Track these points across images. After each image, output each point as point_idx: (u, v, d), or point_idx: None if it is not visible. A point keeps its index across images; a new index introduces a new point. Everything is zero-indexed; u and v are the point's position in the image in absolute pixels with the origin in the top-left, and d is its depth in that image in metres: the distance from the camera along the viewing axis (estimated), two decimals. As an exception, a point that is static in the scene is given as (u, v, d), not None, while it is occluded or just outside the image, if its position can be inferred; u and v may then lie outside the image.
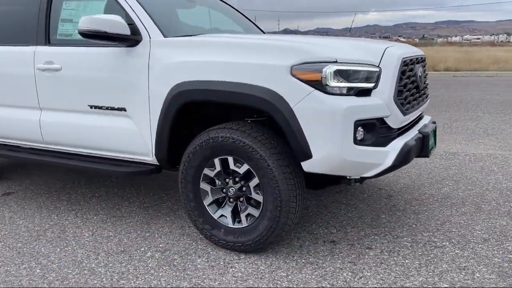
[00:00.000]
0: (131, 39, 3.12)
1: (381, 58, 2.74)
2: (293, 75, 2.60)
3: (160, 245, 3.14)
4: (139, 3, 3.26)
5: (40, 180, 4.72)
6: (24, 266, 2.90)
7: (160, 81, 3.01)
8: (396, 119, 2.79)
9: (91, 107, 3.38)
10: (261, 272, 2.72)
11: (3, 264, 2.93)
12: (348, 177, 2.85)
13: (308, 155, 2.61)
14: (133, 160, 3.39)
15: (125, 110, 3.23)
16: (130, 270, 2.80)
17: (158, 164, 3.26)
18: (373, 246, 3.01)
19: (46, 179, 4.75)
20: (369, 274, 2.66)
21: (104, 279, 2.71)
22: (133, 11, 3.21)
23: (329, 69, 2.56)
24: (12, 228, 3.51)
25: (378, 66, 2.70)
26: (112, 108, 3.28)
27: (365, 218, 3.48)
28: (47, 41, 3.60)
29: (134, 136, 3.24)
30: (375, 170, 2.70)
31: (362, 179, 2.89)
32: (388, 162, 2.69)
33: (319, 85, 2.57)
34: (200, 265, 2.84)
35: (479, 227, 3.27)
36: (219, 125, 2.92)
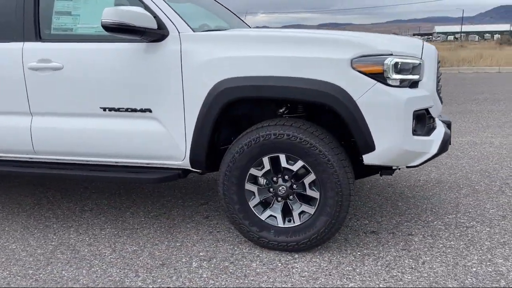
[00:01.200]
0: (157, 33, 2.86)
1: (422, 51, 2.85)
2: (354, 68, 2.59)
3: (201, 254, 2.93)
4: (161, -6, 3.00)
5: (3, 198, 4.12)
6: (59, 294, 2.53)
7: (199, 78, 2.81)
8: (436, 109, 2.93)
9: (104, 109, 3.04)
10: (326, 269, 2.68)
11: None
12: (394, 167, 2.93)
13: (371, 148, 2.63)
14: (151, 165, 3.12)
15: (150, 111, 2.96)
16: (187, 284, 2.58)
17: (186, 168, 3.04)
18: (413, 232, 3.12)
19: (10, 196, 4.16)
20: (428, 258, 2.76)
21: (167, 297, 2.46)
22: (154, 3, 2.95)
23: (391, 61, 2.60)
24: (8, 254, 3.02)
25: (421, 59, 2.80)
26: (134, 110, 2.99)
27: (385, 207, 3.60)
28: (38, 37, 3.14)
29: (161, 139, 2.98)
30: (422, 158, 2.80)
31: (392, 171, 2.99)
32: (434, 150, 2.82)
33: (380, 77, 2.60)
34: (259, 269, 2.72)
35: (490, 206, 3.56)
36: (268, 121, 2.81)
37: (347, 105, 2.58)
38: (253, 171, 2.85)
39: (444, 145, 2.90)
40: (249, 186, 2.88)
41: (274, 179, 2.86)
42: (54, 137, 3.19)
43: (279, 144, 2.73)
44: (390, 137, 2.62)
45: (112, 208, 3.78)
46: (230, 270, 2.71)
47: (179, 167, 3.06)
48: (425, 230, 3.15)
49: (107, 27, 2.73)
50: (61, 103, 3.12)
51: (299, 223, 2.85)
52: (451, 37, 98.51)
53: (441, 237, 3.03)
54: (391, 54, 2.65)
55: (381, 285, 2.49)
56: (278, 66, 2.67)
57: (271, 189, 2.88)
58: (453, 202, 3.66)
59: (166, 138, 2.97)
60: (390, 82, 2.61)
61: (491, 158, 4.88)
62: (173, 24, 2.90)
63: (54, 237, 3.28)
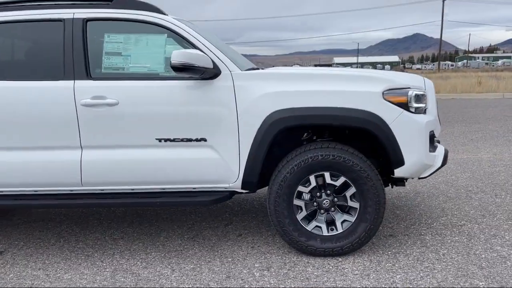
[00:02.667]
0: (212, 72, 3.26)
1: (424, 85, 3.56)
2: (385, 99, 3.21)
3: (256, 265, 3.30)
4: (206, 38, 3.41)
5: (24, 235, 4.11)
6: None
7: (253, 110, 3.24)
8: (438, 131, 3.63)
9: (159, 140, 3.33)
10: (371, 267, 3.19)
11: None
12: (407, 179, 3.57)
13: (402, 163, 3.24)
14: (198, 189, 3.45)
15: (205, 140, 3.32)
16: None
17: (234, 189, 3.42)
18: (422, 233, 3.77)
19: (30, 232, 4.16)
20: (446, 251, 3.40)
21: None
22: (205, 46, 3.35)
23: (412, 93, 3.26)
24: (69, 283, 3.14)
25: (425, 90, 3.50)
26: (189, 140, 3.32)
27: (389, 215, 4.22)
28: (88, 75, 3.37)
29: (215, 165, 3.34)
30: (430, 170, 3.47)
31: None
32: (438, 164, 3.50)
33: (405, 106, 3.24)
34: (316, 272, 3.15)
35: (468, 208, 4.34)
36: (313, 145, 3.30)
37: (383, 128, 3.18)
38: (300, 188, 3.31)
39: (445, 159, 3.60)
40: (297, 202, 3.34)
41: (318, 194, 3.34)
42: (105, 169, 3.39)
43: (325, 164, 3.24)
44: (415, 154, 3.26)
45: (143, 235, 3.98)
46: (292, 276, 3.12)
47: (228, 189, 3.43)
48: (431, 231, 3.80)
49: (175, 67, 3.09)
50: (116, 136, 3.34)
51: (342, 230, 3.35)
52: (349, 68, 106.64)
53: (446, 235, 3.71)
54: (410, 88, 3.31)
55: (421, 274, 3.06)
56: (323, 98, 3.21)
57: (315, 203, 3.36)
58: (438, 207, 4.40)
59: (219, 164, 3.34)
60: (411, 109, 3.27)
61: (447, 171, 5.77)
62: (224, 64, 3.32)
63: (103, 264, 3.43)
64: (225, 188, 3.43)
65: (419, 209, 4.38)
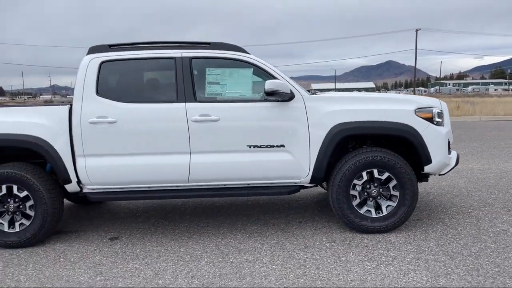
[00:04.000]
0: (290, 96, 4.42)
1: (441, 104, 4.79)
2: (417, 115, 4.43)
3: (323, 240, 4.39)
4: (280, 71, 4.59)
5: (131, 224, 5.12)
6: None
7: (320, 124, 4.40)
8: (451, 140, 4.86)
9: (249, 146, 4.45)
10: (411, 238, 4.33)
11: None
12: (430, 175, 4.76)
13: (430, 161, 4.43)
14: (275, 184, 4.57)
15: (283, 146, 4.45)
16: (347, 256, 4.05)
17: (304, 184, 4.55)
18: (441, 217, 4.94)
19: (135, 222, 5.16)
20: (467, 229, 4.57)
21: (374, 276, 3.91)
22: (282, 77, 4.52)
23: (435, 111, 4.49)
24: (189, 253, 4.17)
25: (441, 109, 4.73)
26: (271, 146, 4.45)
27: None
28: (196, 99, 4.48)
29: (291, 165, 4.47)
30: (448, 168, 4.68)
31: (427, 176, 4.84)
32: (453, 163, 4.71)
33: (430, 120, 4.46)
34: (371, 242, 4.27)
35: (471, 201, 5.55)
36: (365, 149, 4.47)
37: (416, 136, 4.38)
38: (355, 181, 4.47)
39: (457, 161, 4.81)
40: (352, 192, 4.48)
41: (368, 185, 4.49)
42: (207, 169, 4.48)
43: (375, 163, 4.41)
44: (439, 155, 4.46)
45: (226, 223, 5.03)
46: (354, 245, 4.23)
47: (298, 184, 4.56)
48: (447, 216, 4.98)
49: (267, 92, 4.25)
50: (217, 144, 4.44)
51: (386, 213, 4.49)
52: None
53: (459, 218, 4.89)
54: (433, 107, 4.54)
55: (448, 241, 4.21)
56: (374, 114, 4.40)
57: (366, 193, 4.51)
58: (448, 201, 5.60)
59: (294, 164, 4.47)
60: (435, 123, 4.48)
61: (448, 177, 7.00)
62: (297, 90, 4.49)
63: (206, 241, 4.47)
64: (296, 183, 4.56)
65: (434, 203, 5.57)
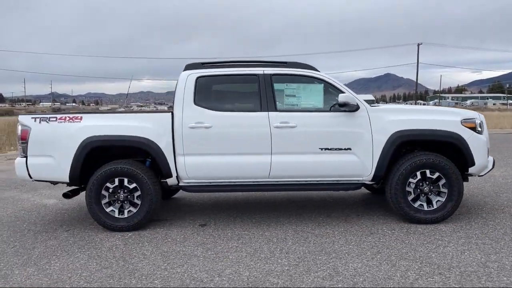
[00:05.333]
0: (356, 107, 5.29)
1: (479, 116, 5.67)
2: (462, 124, 5.30)
3: (384, 228, 5.23)
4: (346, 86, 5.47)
5: (218, 212, 5.95)
6: (345, 245, 4.67)
7: (382, 130, 5.27)
8: (489, 145, 5.73)
9: (321, 149, 5.31)
10: (460, 228, 5.17)
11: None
12: (472, 175, 5.62)
13: (474, 164, 5.30)
14: (341, 181, 5.42)
15: (350, 149, 5.31)
16: (408, 239, 4.89)
17: (365, 182, 5.41)
18: (479, 212, 5.78)
19: (219, 211, 6.00)
20: (489, 222, 5.42)
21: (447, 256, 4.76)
22: (349, 91, 5.40)
23: (478, 121, 5.37)
24: (273, 236, 5.01)
25: (481, 120, 5.60)
26: (339, 149, 5.31)
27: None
28: (275, 109, 5.35)
29: (355, 165, 5.32)
30: (486, 170, 5.54)
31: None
32: (490, 166, 5.58)
33: (474, 129, 5.33)
34: (426, 231, 5.10)
35: (506, 200, 6.40)
36: (420, 152, 5.34)
37: (463, 142, 5.25)
38: (410, 180, 5.32)
39: (493, 164, 5.68)
40: (408, 188, 5.34)
41: (421, 183, 5.35)
42: (285, 167, 5.34)
43: (427, 164, 5.26)
44: (481, 158, 5.32)
45: (297, 215, 5.87)
46: (411, 231, 5.06)
47: (361, 181, 5.41)
48: (484, 211, 5.83)
49: (340, 104, 5.13)
50: (293, 146, 5.30)
51: (436, 207, 5.34)
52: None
53: (495, 213, 5.74)
54: (475, 118, 5.42)
55: (491, 229, 5.06)
56: (428, 124, 5.27)
57: (419, 189, 5.36)
58: (481, 201, 6.45)
59: (359, 164, 5.32)
60: (477, 131, 5.36)
61: (474, 182, 7.85)
62: (360, 102, 5.36)
63: (284, 226, 5.30)
64: (359, 180, 5.42)
65: (469, 202, 6.42)
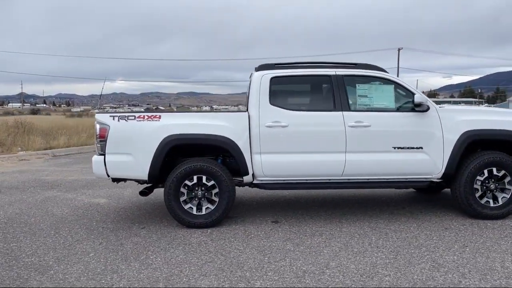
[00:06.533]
0: (427, 107, 5.49)
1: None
2: (521, 124, 5.57)
3: (444, 223, 5.43)
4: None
5: (291, 209, 6.06)
6: (429, 239, 4.85)
7: (452, 130, 5.48)
8: None
9: (394, 148, 5.49)
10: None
11: (418, 241, 4.80)
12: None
13: (536, 161, 5.57)
14: (410, 179, 5.61)
15: (421, 148, 5.50)
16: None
17: (435, 180, 5.61)
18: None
19: (290, 208, 6.11)
20: (494, 225, 5.69)
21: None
22: (418, 92, 5.60)
23: (528, 121, 5.63)
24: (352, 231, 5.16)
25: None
26: (412, 148, 5.50)
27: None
28: (349, 109, 5.51)
29: (426, 163, 5.52)
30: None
31: None
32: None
33: (526, 127, 5.60)
34: (491, 225, 5.32)
35: None
36: (487, 152, 5.56)
37: (524, 141, 5.52)
38: (478, 177, 5.54)
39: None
40: (475, 186, 5.55)
41: (486, 181, 5.57)
42: (359, 165, 5.50)
43: (494, 162, 5.49)
44: (538, 156, 5.60)
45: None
46: (483, 227, 5.27)
47: (429, 179, 5.61)
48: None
49: (416, 104, 5.33)
50: (367, 145, 5.47)
51: (501, 203, 5.57)
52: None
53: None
54: (525, 118, 5.69)
55: (556, 225, 5.32)
56: (496, 124, 5.51)
57: (485, 187, 5.58)
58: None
59: (430, 163, 5.52)
60: (527, 129, 5.63)
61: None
62: (430, 102, 5.57)
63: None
64: (427, 178, 5.61)
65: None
